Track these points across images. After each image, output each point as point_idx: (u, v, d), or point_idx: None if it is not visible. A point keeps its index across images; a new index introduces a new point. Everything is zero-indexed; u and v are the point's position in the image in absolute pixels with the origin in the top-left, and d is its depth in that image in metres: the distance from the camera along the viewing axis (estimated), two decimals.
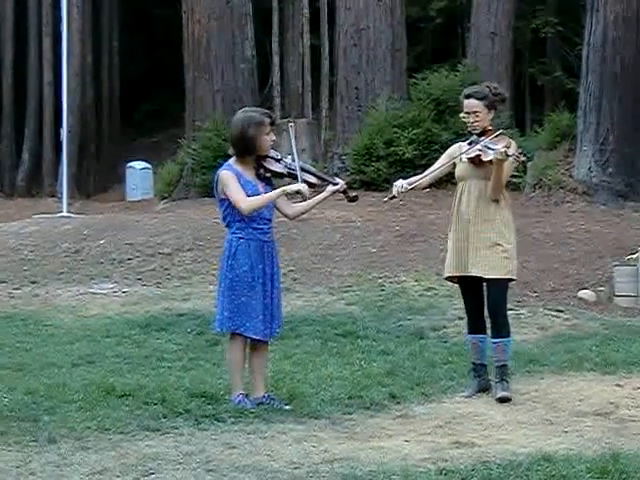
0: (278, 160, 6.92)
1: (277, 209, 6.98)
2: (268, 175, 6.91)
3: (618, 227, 13.64)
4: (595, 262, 12.15)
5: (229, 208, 6.83)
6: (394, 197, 7.28)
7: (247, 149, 6.84)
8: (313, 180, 6.95)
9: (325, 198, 7.03)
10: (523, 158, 7.29)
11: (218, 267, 7.17)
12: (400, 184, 7.26)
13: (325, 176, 7.21)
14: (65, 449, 5.72)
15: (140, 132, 28.23)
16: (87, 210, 19.70)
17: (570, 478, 5.14)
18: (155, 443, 5.90)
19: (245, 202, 6.72)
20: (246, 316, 6.75)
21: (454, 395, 7.27)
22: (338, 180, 7.11)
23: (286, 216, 7.10)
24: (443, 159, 7.49)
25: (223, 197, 6.84)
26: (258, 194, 6.80)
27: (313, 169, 7.22)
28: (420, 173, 7.63)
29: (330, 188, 6.98)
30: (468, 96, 7.38)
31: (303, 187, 6.78)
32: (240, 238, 6.81)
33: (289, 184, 6.89)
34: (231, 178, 6.78)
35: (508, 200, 7.37)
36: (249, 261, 6.77)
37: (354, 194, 7.18)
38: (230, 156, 6.97)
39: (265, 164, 6.88)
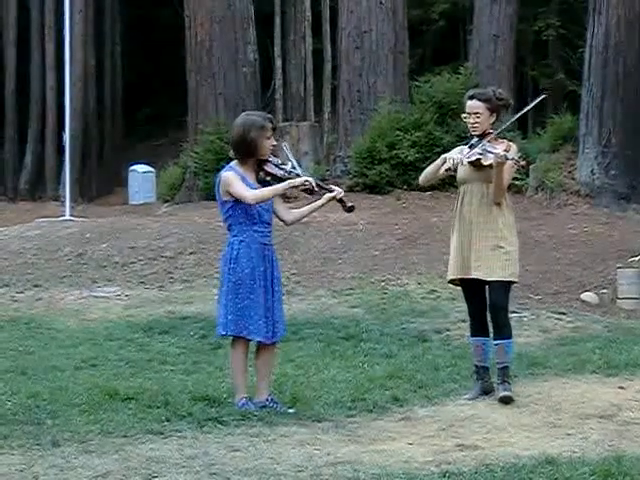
0: (278, 165, 6.96)
1: (275, 214, 7.00)
2: (268, 179, 6.94)
3: (621, 229, 13.64)
4: (598, 264, 12.15)
5: (231, 210, 6.85)
6: (449, 169, 7.27)
7: (248, 152, 6.87)
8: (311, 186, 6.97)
9: (322, 205, 7.06)
10: (523, 162, 7.32)
11: (220, 270, 7.17)
12: (457, 157, 7.23)
13: (323, 184, 7.17)
14: (68, 452, 5.72)
15: (142, 135, 28.25)
16: (90, 214, 19.68)
17: None
18: (158, 446, 5.90)
19: (250, 192, 6.75)
20: (249, 319, 6.77)
21: (457, 398, 7.26)
22: (336, 188, 7.10)
23: (283, 222, 7.13)
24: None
25: (225, 199, 6.86)
26: None
27: (312, 177, 7.22)
28: None
29: (327, 195, 6.99)
30: (471, 97, 7.41)
31: (309, 180, 6.80)
32: (241, 241, 6.83)
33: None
34: (234, 178, 6.82)
35: (510, 203, 7.38)
36: (250, 264, 6.80)
37: (351, 204, 7.14)
38: (232, 159, 7.00)
39: (266, 168, 6.92)
